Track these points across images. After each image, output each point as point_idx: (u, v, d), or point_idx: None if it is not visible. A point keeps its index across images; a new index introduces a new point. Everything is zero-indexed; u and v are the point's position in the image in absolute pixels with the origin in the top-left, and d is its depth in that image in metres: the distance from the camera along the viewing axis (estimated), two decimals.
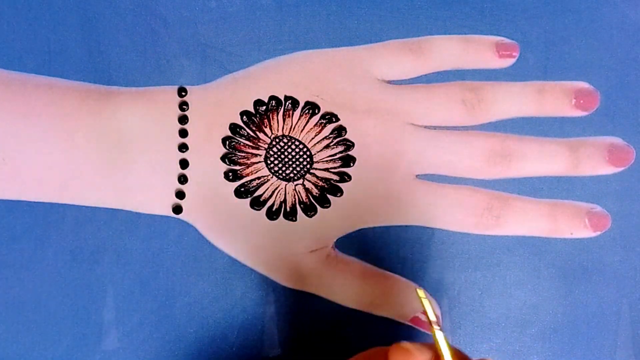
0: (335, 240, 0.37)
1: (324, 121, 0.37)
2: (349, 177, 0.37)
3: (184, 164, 0.36)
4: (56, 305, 0.36)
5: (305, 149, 0.37)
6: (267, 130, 0.36)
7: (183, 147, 0.36)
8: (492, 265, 0.37)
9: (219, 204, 0.36)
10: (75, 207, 0.36)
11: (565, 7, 0.37)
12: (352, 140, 0.37)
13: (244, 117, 0.36)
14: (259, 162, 0.37)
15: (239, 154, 0.36)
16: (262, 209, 0.37)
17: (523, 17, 0.37)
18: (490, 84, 0.37)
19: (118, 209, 0.36)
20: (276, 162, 0.37)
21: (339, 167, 0.37)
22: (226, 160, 0.36)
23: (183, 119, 0.36)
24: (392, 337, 0.37)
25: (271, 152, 0.37)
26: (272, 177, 0.37)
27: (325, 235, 0.37)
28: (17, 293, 0.35)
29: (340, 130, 0.37)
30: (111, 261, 0.36)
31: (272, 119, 0.37)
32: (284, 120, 0.37)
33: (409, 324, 0.37)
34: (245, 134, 0.36)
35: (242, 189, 0.36)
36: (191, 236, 0.36)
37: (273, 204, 0.37)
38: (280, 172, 0.37)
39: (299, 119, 0.37)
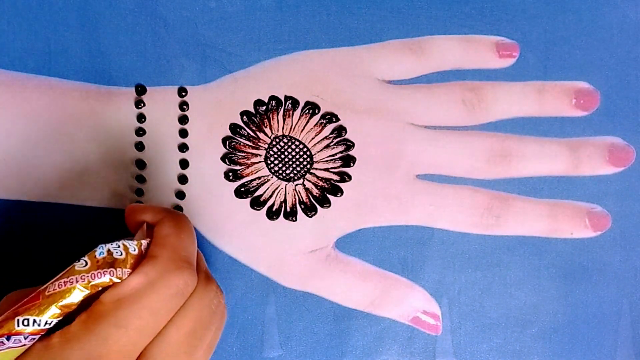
0: (335, 240, 0.37)
1: (324, 121, 0.37)
2: (349, 177, 0.37)
3: (184, 164, 0.36)
4: None
5: (305, 149, 0.37)
6: (267, 130, 0.37)
7: (183, 147, 0.36)
8: (492, 265, 0.37)
9: (219, 204, 0.37)
10: (76, 207, 0.36)
11: (565, 7, 0.37)
12: (352, 140, 0.37)
13: (244, 117, 0.36)
14: (259, 162, 0.37)
15: (239, 154, 0.36)
16: (262, 209, 0.37)
17: (523, 17, 0.37)
18: (491, 84, 0.37)
19: (119, 209, 0.36)
20: (276, 162, 0.37)
21: (339, 167, 0.37)
22: (226, 160, 0.36)
23: (183, 119, 0.36)
24: (392, 336, 0.37)
25: (271, 152, 0.37)
26: (272, 177, 0.37)
27: (325, 235, 0.37)
28: None
29: (341, 130, 0.37)
30: None
31: (272, 119, 0.37)
32: (284, 120, 0.37)
33: (409, 324, 0.37)
34: (245, 134, 0.36)
35: (242, 189, 0.37)
36: None
37: (273, 204, 0.37)
38: (280, 172, 0.37)
39: (299, 118, 0.37)
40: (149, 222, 0.30)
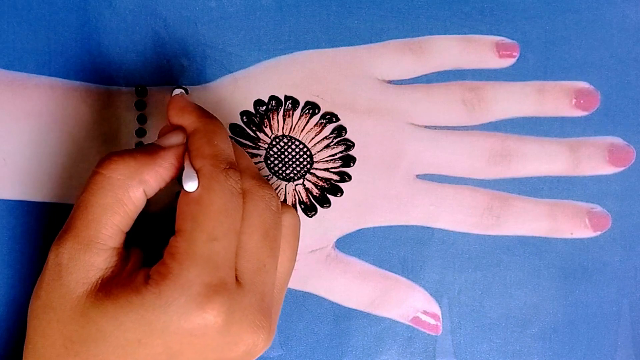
0: (335, 240, 0.37)
1: (324, 121, 0.37)
2: (349, 177, 0.37)
3: None
4: None
5: (305, 149, 0.37)
6: (267, 130, 0.37)
7: None
8: (492, 265, 0.37)
9: None
10: None
11: (565, 7, 0.37)
12: (352, 140, 0.37)
13: (244, 117, 0.37)
14: (259, 162, 0.37)
15: None
16: None
17: (523, 17, 0.37)
18: (491, 84, 0.37)
19: None
20: (276, 162, 0.37)
21: (339, 167, 0.37)
22: None
23: None
24: (392, 336, 0.37)
25: (271, 152, 0.37)
26: (272, 177, 0.37)
27: (325, 235, 0.37)
28: (17, 293, 0.35)
29: (341, 130, 0.37)
30: None
31: (272, 119, 0.37)
32: (284, 120, 0.37)
33: (409, 324, 0.37)
34: (246, 134, 0.36)
35: None
36: None
37: None
38: (280, 172, 0.37)
39: (299, 118, 0.37)
40: (186, 127, 0.31)
